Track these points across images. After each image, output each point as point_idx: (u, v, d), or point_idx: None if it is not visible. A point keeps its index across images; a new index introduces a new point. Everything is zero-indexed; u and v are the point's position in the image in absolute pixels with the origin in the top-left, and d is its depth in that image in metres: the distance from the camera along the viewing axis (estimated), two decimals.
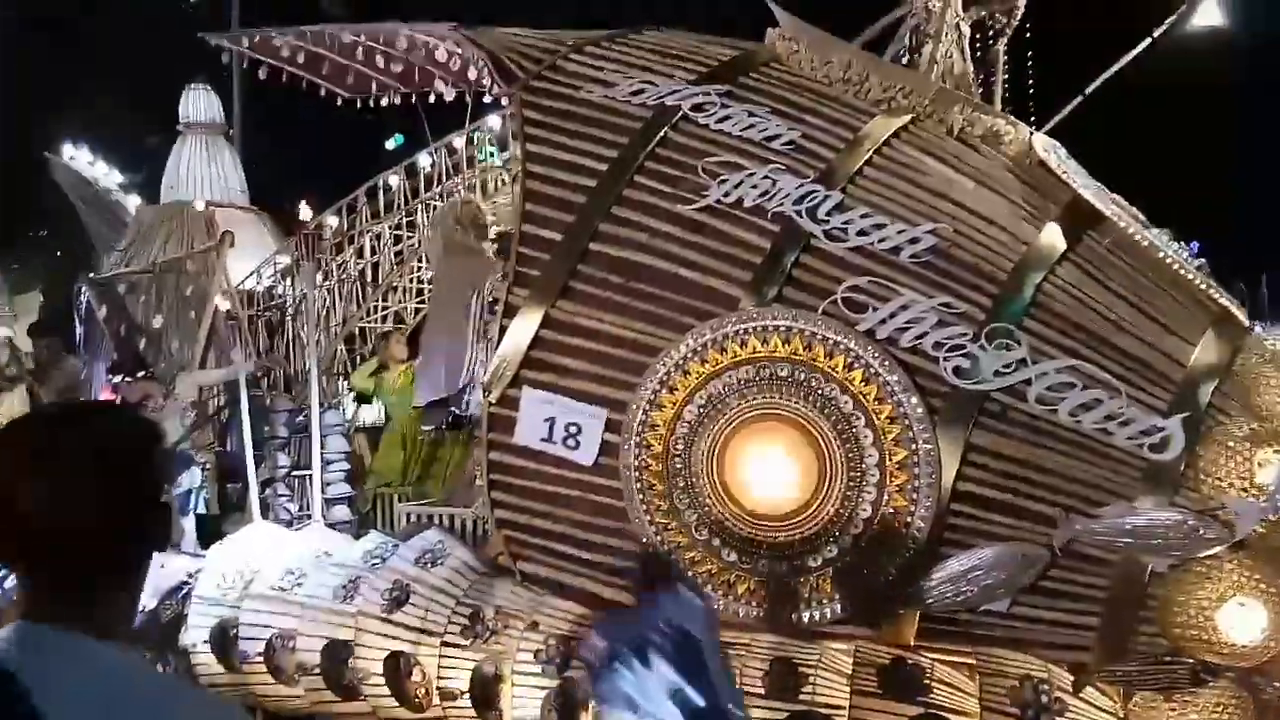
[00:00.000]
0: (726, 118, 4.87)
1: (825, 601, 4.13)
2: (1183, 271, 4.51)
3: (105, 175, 12.09)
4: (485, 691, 4.43)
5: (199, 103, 11.65)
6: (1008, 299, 4.20)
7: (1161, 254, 4.54)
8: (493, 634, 4.52)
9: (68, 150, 12.16)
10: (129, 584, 1.34)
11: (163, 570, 6.07)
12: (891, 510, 4.06)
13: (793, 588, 4.16)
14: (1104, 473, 3.92)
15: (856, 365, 4.16)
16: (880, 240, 4.35)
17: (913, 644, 4.02)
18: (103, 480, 1.27)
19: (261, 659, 5.02)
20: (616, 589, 4.52)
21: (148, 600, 5.88)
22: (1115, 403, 3.94)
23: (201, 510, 6.97)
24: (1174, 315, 4.26)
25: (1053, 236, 4.39)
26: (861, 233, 4.36)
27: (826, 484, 4.13)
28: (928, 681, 3.87)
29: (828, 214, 4.41)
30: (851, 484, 4.12)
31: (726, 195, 4.58)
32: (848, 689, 3.91)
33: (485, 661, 4.47)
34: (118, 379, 7.34)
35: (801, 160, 4.66)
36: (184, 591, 5.48)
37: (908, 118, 4.85)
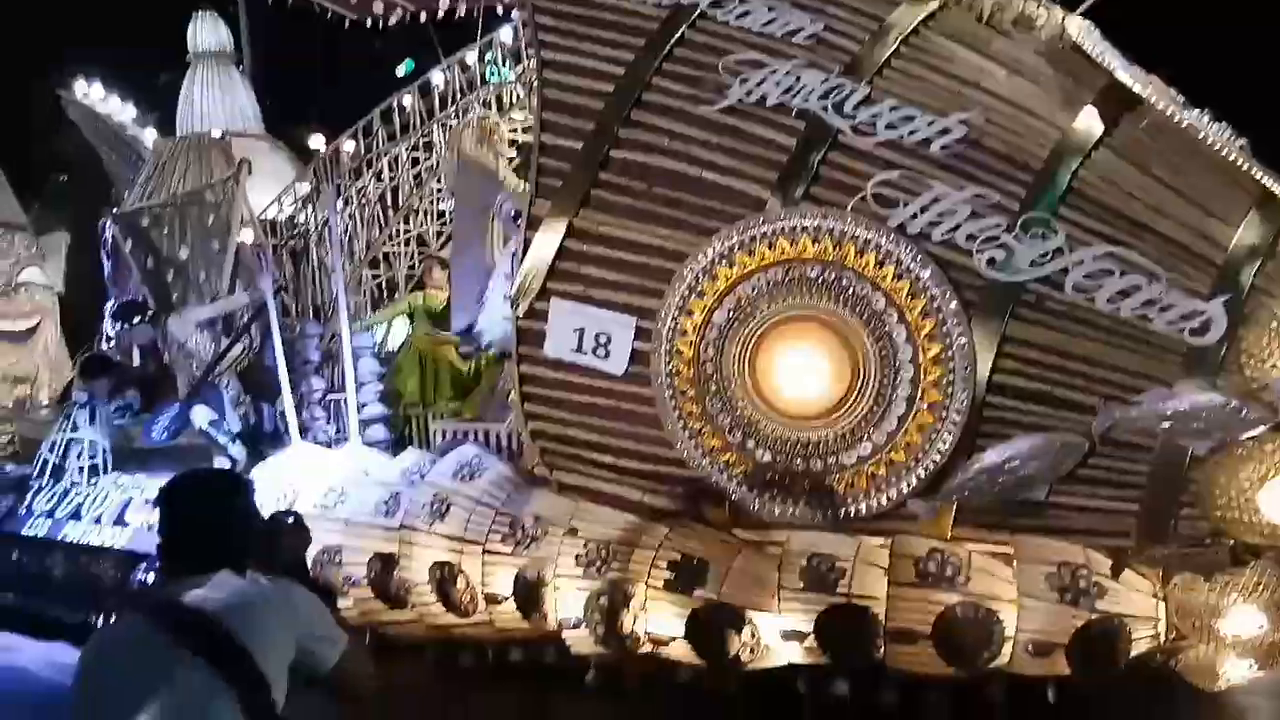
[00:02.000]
0: (746, 13, 4.72)
1: (861, 497, 4.15)
2: (1224, 152, 4.36)
3: (119, 110, 12.00)
4: (529, 595, 4.53)
5: (207, 30, 11.45)
6: (1043, 187, 4.10)
7: (1202, 135, 4.39)
8: (533, 541, 4.60)
9: (80, 87, 12.06)
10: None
11: None
12: (927, 405, 4.05)
13: (828, 485, 4.19)
14: (1143, 359, 3.88)
15: (888, 262, 4.10)
16: (910, 133, 4.24)
17: (950, 535, 4.05)
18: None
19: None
20: (651, 494, 4.58)
21: None
22: (1155, 288, 3.87)
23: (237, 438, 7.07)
24: (1215, 197, 4.14)
25: (1088, 121, 4.26)
26: (890, 126, 4.26)
27: (860, 382, 4.12)
28: (965, 571, 3.91)
29: (854, 108, 4.30)
30: (885, 381, 4.10)
31: (749, 94, 4.47)
32: (885, 581, 3.96)
33: (527, 567, 4.56)
34: (117, 328, 7.38)
35: (825, 54, 4.53)
36: None
37: (935, 4, 4.67)
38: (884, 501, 4.14)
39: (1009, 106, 4.31)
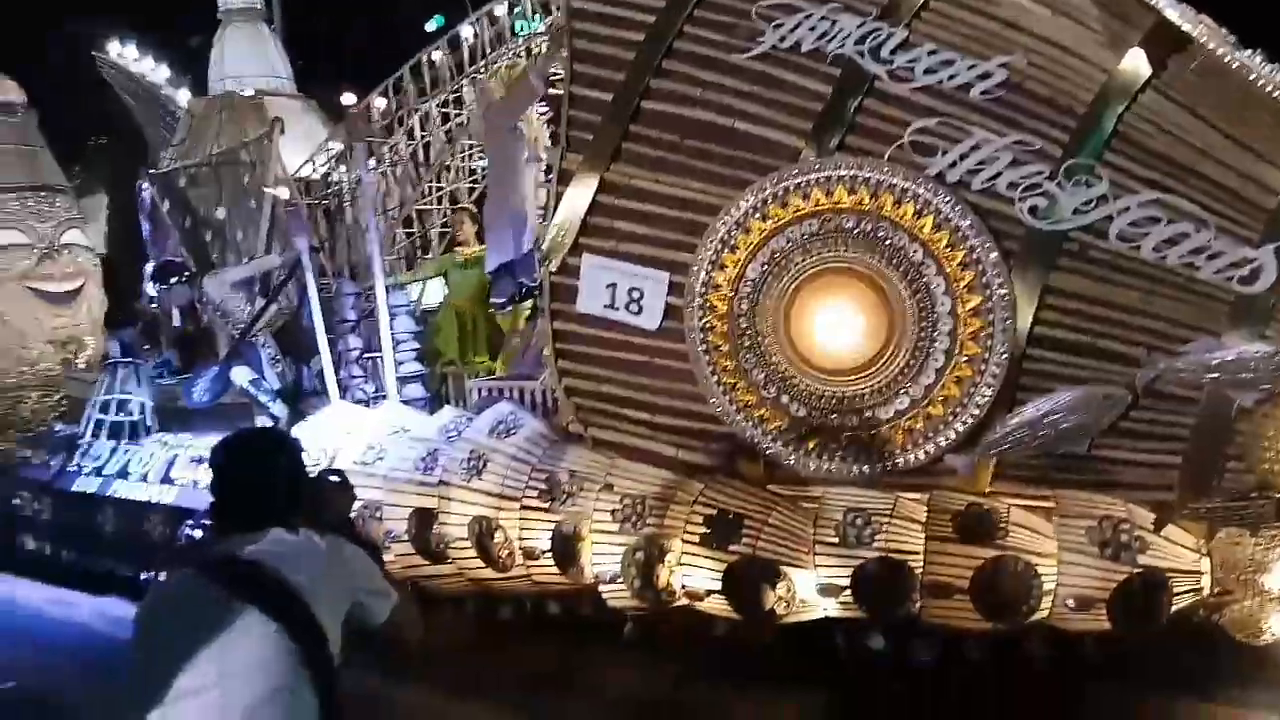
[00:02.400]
0: None
1: (898, 451, 4.12)
2: (1276, 95, 4.20)
3: (153, 70, 12.06)
4: (566, 549, 4.57)
5: None
6: (1087, 133, 3.97)
7: (1253, 77, 4.22)
8: (569, 496, 4.63)
9: (114, 48, 12.12)
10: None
11: None
12: (966, 358, 3.99)
13: (864, 439, 4.15)
14: (1190, 308, 3.78)
15: (926, 212, 4.01)
16: (949, 78, 4.12)
17: (988, 490, 4.01)
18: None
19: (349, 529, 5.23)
20: (686, 449, 4.58)
21: None
22: (1203, 235, 3.76)
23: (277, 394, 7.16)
24: (1267, 141, 3.98)
25: (1135, 63, 4.10)
26: (929, 71, 4.14)
27: (897, 335, 4.07)
28: (1003, 525, 3.87)
29: (892, 53, 4.18)
30: (923, 334, 4.04)
31: (782, 40, 4.37)
32: (922, 536, 3.93)
33: (564, 522, 4.60)
34: (156, 289, 7.46)
35: None
36: None
37: None
38: (921, 456, 4.10)
39: (1052, 49, 4.17)
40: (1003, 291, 3.92)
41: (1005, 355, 3.93)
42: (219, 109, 10.60)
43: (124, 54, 12.07)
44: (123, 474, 7.01)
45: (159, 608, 2.02)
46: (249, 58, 11.36)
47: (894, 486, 4.12)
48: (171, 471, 6.60)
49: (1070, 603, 3.78)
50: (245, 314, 7.15)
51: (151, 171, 9.74)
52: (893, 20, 4.25)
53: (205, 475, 6.30)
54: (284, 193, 8.45)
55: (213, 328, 7.57)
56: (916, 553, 3.92)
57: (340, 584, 2.05)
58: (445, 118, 9.52)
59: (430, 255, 9.35)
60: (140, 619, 1.99)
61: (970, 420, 4.01)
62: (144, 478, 6.79)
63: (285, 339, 7.24)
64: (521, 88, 6.65)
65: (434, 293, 8.48)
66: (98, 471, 7.22)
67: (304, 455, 2.23)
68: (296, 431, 5.87)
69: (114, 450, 7.26)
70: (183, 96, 11.73)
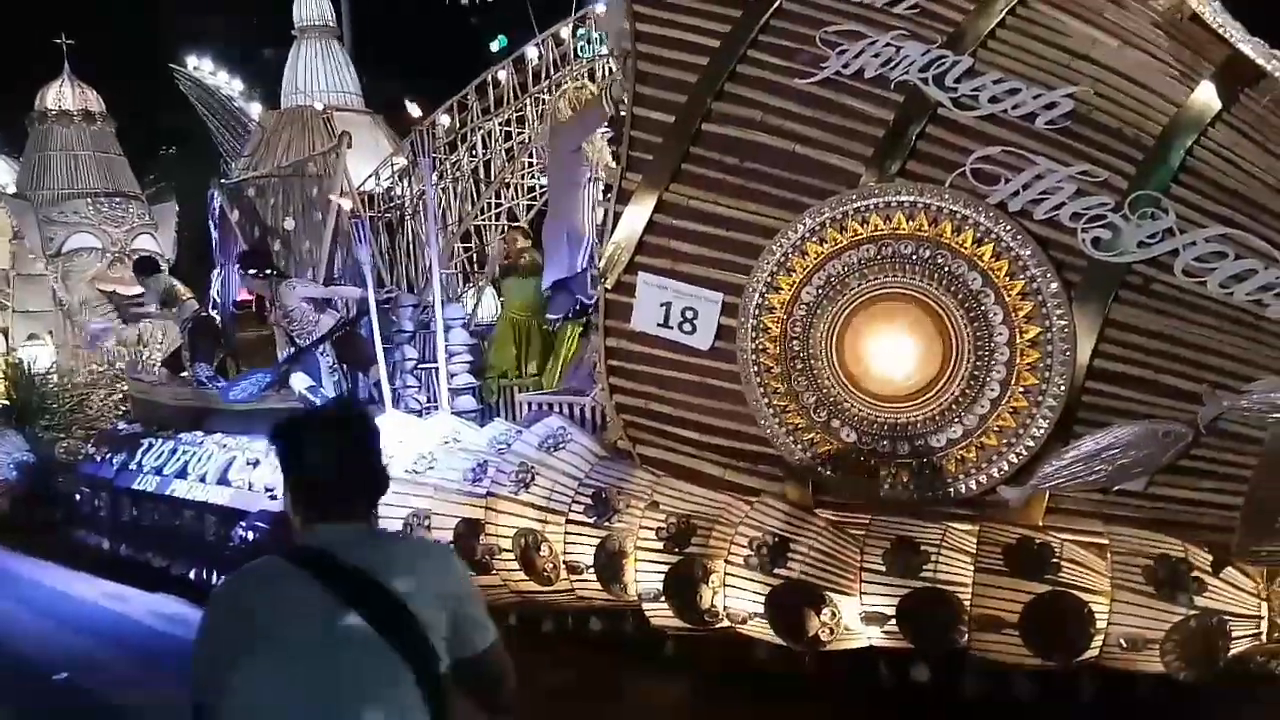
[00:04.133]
0: None
1: (950, 481, 4.07)
2: None
3: (227, 83, 12.47)
4: (610, 566, 4.58)
5: (312, 5, 11.80)
6: (1154, 165, 3.92)
7: None
8: (615, 513, 4.65)
9: (191, 62, 12.57)
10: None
11: None
12: (1022, 389, 3.93)
13: (915, 467, 4.11)
14: (1256, 346, 3.69)
15: (986, 240, 3.98)
16: (1014, 107, 4.10)
17: (1041, 523, 3.94)
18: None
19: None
20: (733, 470, 4.57)
21: None
22: (1271, 272, 3.68)
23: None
24: None
25: (1206, 96, 4.04)
26: (994, 99, 4.12)
27: (952, 363, 4.03)
28: (1056, 560, 3.80)
29: (956, 80, 4.18)
30: (979, 363, 4.00)
31: (846, 66, 4.38)
32: (971, 567, 3.87)
33: (609, 538, 4.61)
34: (246, 271, 7.67)
35: (927, 25, 4.40)
36: None
37: None
38: (973, 486, 4.05)
39: (1121, 79, 4.13)
40: (1062, 323, 3.87)
41: (1063, 388, 3.87)
42: (289, 122, 10.90)
43: (200, 67, 12.49)
44: (181, 474, 7.19)
45: (241, 585, 1.74)
46: (320, 73, 11.69)
47: (944, 516, 4.07)
48: (229, 473, 6.76)
49: (1123, 642, 3.69)
50: (312, 324, 7.31)
51: (222, 181, 10.04)
52: (958, 48, 4.25)
53: (259, 476, 6.47)
54: (348, 205, 8.65)
55: (274, 326, 7.75)
56: (965, 584, 3.86)
57: (445, 600, 1.71)
58: (507, 135, 9.69)
59: (486, 269, 9.50)
60: (219, 594, 1.74)
61: (1024, 452, 3.95)
62: (202, 478, 6.96)
63: (343, 348, 7.38)
64: (592, 110, 6.75)
65: (488, 306, 8.59)
66: (157, 470, 7.42)
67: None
68: None
69: (174, 450, 7.46)
70: (255, 110, 12.09)
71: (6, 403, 10.71)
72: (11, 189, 12.79)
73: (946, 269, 4.03)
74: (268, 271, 7.65)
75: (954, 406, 4.04)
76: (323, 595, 1.63)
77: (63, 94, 12.72)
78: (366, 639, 1.61)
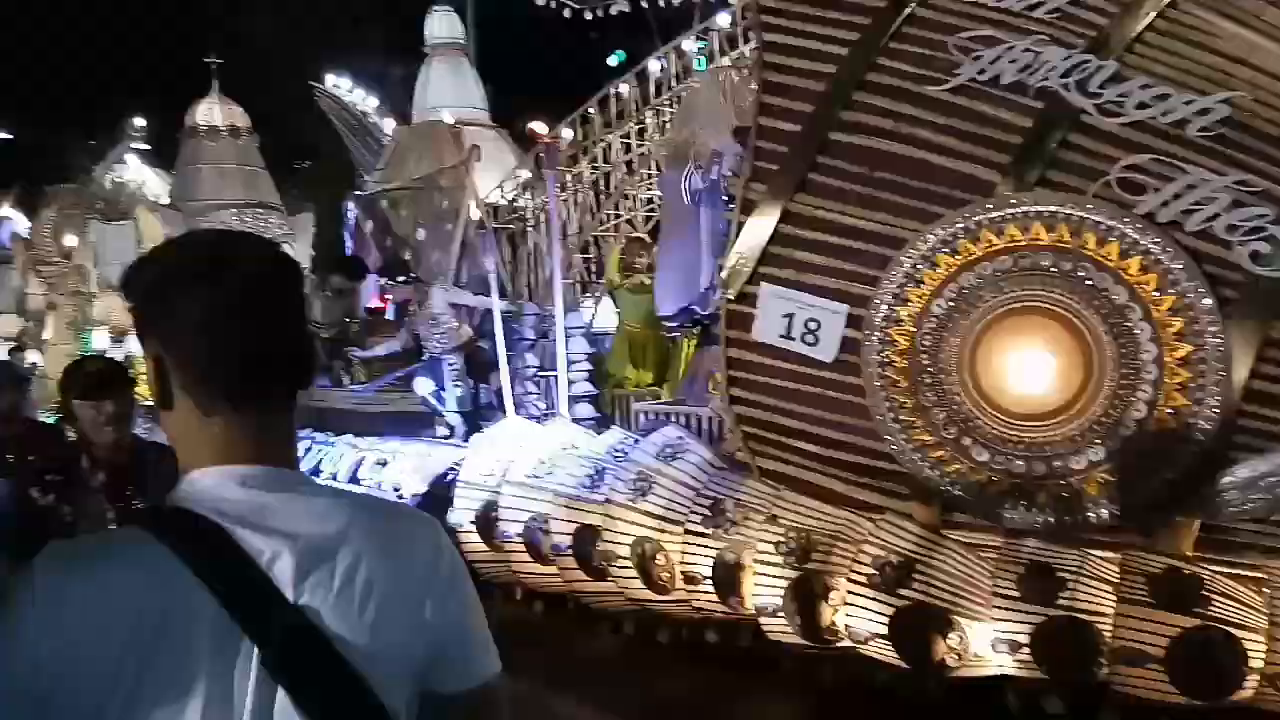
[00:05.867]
0: None
1: (1090, 505, 3.87)
2: None
3: (362, 100, 13.07)
4: (727, 578, 4.55)
5: (443, 23, 12.24)
6: None
7: None
8: (733, 525, 4.61)
9: (330, 80, 13.23)
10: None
11: (430, 458, 6.66)
12: (1171, 410, 3.72)
13: (1053, 490, 3.93)
14: None
15: (1133, 252, 3.79)
16: (1163, 113, 3.89)
17: (1190, 554, 3.71)
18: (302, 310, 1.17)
19: (520, 539, 5.41)
20: (856, 487, 4.47)
21: (419, 485, 6.49)
22: None
23: (454, 407, 7.52)
24: None
25: None
26: (1141, 105, 3.92)
27: (1094, 382, 3.84)
28: (1206, 594, 3.56)
29: (1101, 86, 4.00)
30: (1124, 382, 3.79)
31: (981, 72, 4.25)
32: (1113, 597, 3.68)
33: (727, 550, 4.58)
34: (386, 281, 7.99)
35: (1069, 29, 4.23)
36: (450, 477, 5.97)
37: None
38: (1116, 512, 3.84)
39: None
40: (1217, 341, 3.64)
41: (1217, 410, 3.64)
42: (420, 137, 11.31)
43: (339, 85, 13.11)
44: (314, 472, 7.51)
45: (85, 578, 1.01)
46: (450, 89, 12.10)
47: (1083, 542, 3.87)
48: (359, 472, 7.02)
49: None
50: (453, 331, 7.53)
51: (357, 194, 10.50)
52: (1103, 53, 4.06)
53: (388, 477, 6.69)
54: (475, 216, 8.90)
55: (413, 325, 8.02)
56: (1106, 615, 3.67)
57: (424, 625, 1.10)
58: (627, 148, 9.80)
59: (603, 280, 9.63)
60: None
61: (1173, 477, 3.73)
62: (334, 476, 7.25)
63: (471, 357, 7.59)
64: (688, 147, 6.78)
65: (606, 315, 8.69)
66: None
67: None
68: (474, 441, 6.14)
69: (308, 450, 7.80)
70: (388, 125, 12.60)
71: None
72: (165, 200, 13.68)
73: (1089, 282, 3.85)
74: (411, 276, 7.90)
75: (1095, 427, 3.84)
76: (215, 621, 0.99)
77: (211, 110, 13.56)
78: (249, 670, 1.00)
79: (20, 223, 18.20)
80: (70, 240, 14.52)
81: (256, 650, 1.00)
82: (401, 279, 7.98)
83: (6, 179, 20.68)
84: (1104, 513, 3.85)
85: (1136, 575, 3.68)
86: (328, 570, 1.04)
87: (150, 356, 1.09)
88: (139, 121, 16.95)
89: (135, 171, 15.37)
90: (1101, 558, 3.80)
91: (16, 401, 4.48)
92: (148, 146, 16.99)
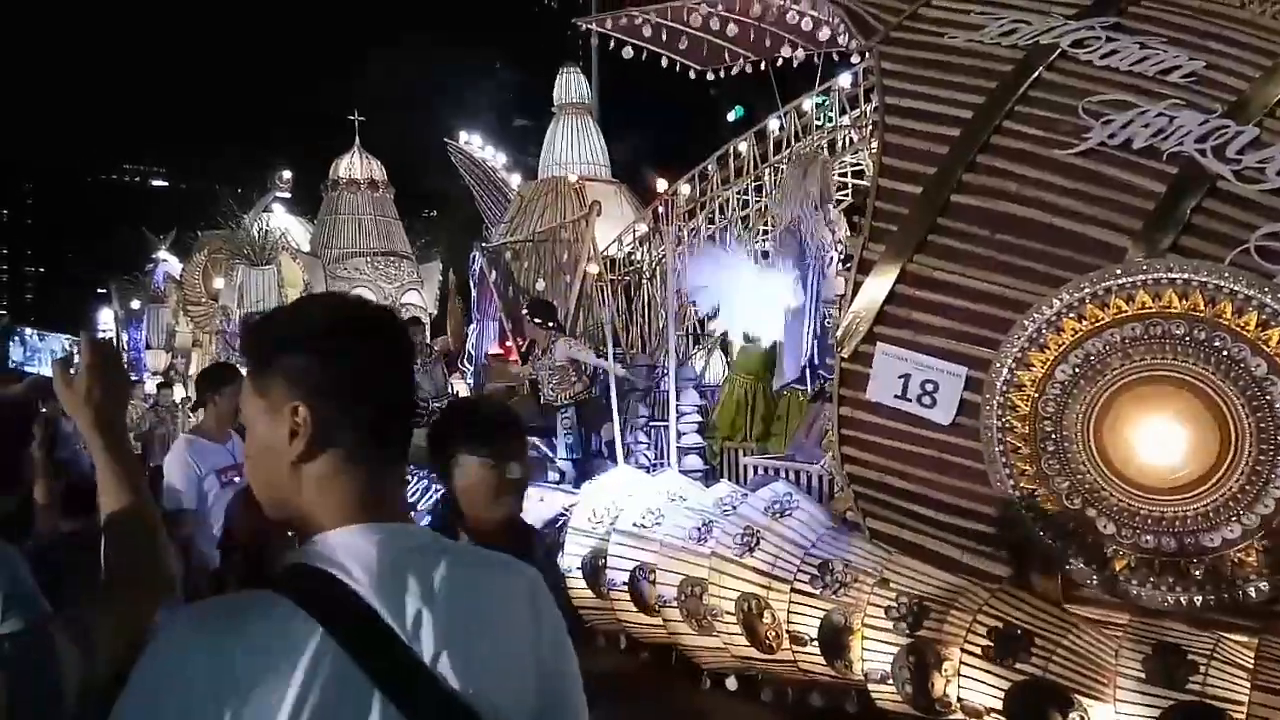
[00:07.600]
0: (1113, 52, 4.44)
1: (1225, 585, 3.68)
2: None
3: (493, 156, 13.66)
4: (834, 640, 4.47)
5: (571, 84, 12.73)
6: None
7: None
8: (842, 586, 4.54)
9: (463, 136, 13.90)
10: None
11: (542, 503, 6.80)
12: None
13: (1185, 567, 3.76)
14: None
15: (1274, 323, 3.63)
16: None
17: None
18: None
19: (626, 588, 5.45)
20: (972, 552, 4.36)
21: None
22: None
23: (565, 455, 7.68)
24: None
25: None
26: None
27: (1231, 455, 3.67)
28: None
29: (1239, 152, 3.88)
30: (1263, 456, 3.62)
31: (1112, 136, 4.18)
32: (1248, 684, 3.46)
33: (835, 611, 4.51)
34: (534, 319, 8.10)
35: (1205, 93, 4.14)
36: (561, 523, 6.09)
37: None
38: (1253, 594, 3.64)
39: None
40: None
41: None
42: (545, 191, 11.73)
43: (470, 142, 13.74)
44: (431, 509, 7.74)
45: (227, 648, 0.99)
46: (575, 147, 12.52)
47: (1217, 625, 3.68)
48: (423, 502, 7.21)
49: None
50: (570, 383, 7.70)
51: (483, 245, 10.93)
52: (1241, 118, 3.95)
53: None
54: (594, 269, 9.12)
55: (535, 369, 8.22)
56: (1240, 703, 3.45)
57: (528, 687, 1.12)
58: (744, 204, 9.92)
59: (714, 333, 9.70)
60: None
61: None
62: (414, 508, 7.46)
63: (583, 408, 7.74)
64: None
65: (715, 368, 8.75)
66: None
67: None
68: (585, 488, 6.24)
69: (426, 489, 8.05)
70: (515, 180, 13.11)
71: None
72: (305, 247, 14.52)
73: (1225, 352, 3.70)
74: (551, 324, 8.11)
75: (1232, 503, 3.66)
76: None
77: (353, 164, 14.38)
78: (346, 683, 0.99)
79: (174, 265, 19.62)
80: (217, 283, 15.56)
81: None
82: (539, 322, 8.14)
83: (164, 225, 22.37)
84: (1240, 594, 3.65)
85: (1275, 662, 3.47)
86: (462, 634, 1.06)
87: (289, 409, 1.10)
88: (285, 173, 18.15)
89: (280, 220, 16.43)
90: (1236, 641, 3.59)
91: None
92: (290, 196, 18.16)
